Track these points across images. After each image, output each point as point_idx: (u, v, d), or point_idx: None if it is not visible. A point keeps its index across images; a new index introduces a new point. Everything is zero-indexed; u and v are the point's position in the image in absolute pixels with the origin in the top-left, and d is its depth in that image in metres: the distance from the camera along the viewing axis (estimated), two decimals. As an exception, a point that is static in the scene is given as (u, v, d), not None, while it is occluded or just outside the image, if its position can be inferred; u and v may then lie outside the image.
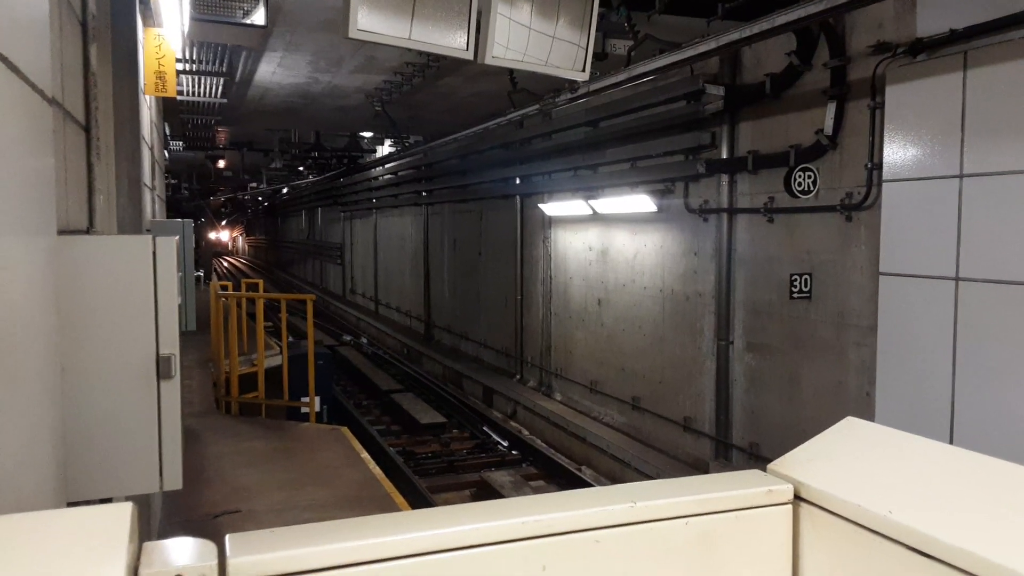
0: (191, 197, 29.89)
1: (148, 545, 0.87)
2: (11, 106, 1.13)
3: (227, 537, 0.91)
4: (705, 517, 1.13)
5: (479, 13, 3.30)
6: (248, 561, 0.87)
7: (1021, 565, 0.89)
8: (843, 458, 1.25)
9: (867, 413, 5.37)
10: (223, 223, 48.41)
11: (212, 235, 45.09)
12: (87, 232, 2.09)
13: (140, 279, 1.73)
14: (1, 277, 1.02)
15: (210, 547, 0.88)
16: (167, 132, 13.59)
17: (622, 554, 1.07)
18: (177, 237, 1.92)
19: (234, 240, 56.71)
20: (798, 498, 1.19)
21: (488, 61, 3.30)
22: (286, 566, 0.88)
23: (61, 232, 1.66)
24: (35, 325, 1.26)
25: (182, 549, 0.87)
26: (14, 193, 1.14)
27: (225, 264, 43.16)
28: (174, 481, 1.80)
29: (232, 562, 0.86)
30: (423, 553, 0.95)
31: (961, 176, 4.61)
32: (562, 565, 1.04)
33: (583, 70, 3.56)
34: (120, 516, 0.83)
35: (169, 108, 11.39)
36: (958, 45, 4.63)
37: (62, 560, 0.74)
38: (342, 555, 0.91)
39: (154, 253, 1.75)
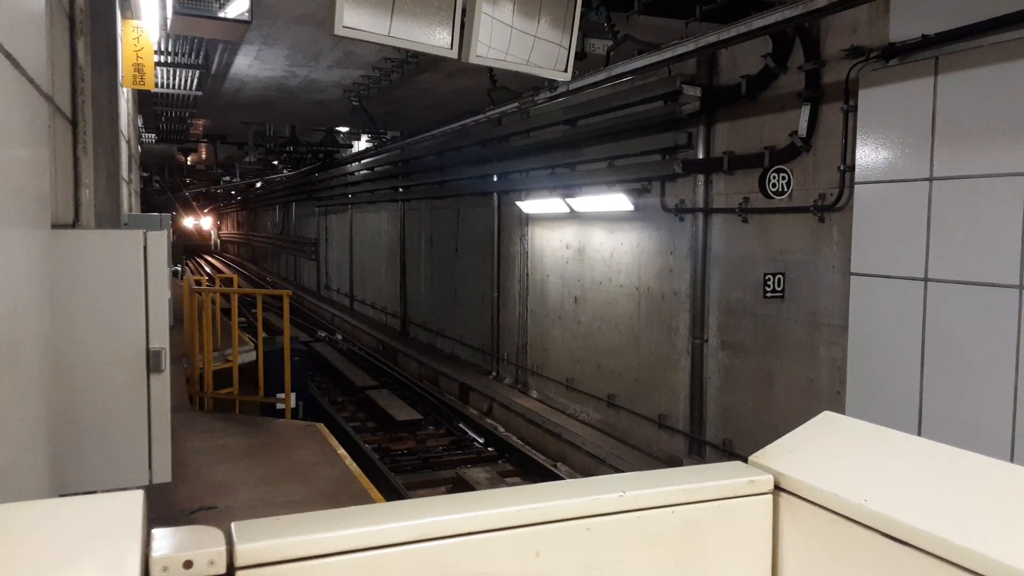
0: (162, 190, 29.52)
1: (156, 532, 0.89)
2: (14, 103, 1.14)
3: (232, 524, 0.93)
4: (690, 506, 1.18)
5: (463, 12, 3.32)
6: (255, 547, 0.90)
7: (987, 549, 0.95)
8: (821, 450, 1.30)
9: (838, 411, 5.45)
10: (204, 211, 46.37)
11: (188, 226, 43.67)
12: (73, 226, 2.09)
13: (131, 274, 1.73)
14: (8, 270, 1.04)
15: (216, 534, 0.91)
16: (140, 124, 13.42)
17: (612, 541, 1.12)
18: (165, 232, 1.93)
19: (210, 234, 52.80)
20: (778, 488, 1.24)
21: (472, 60, 3.32)
22: (292, 551, 0.91)
23: (52, 226, 1.67)
24: (34, 319, 1.27)
25: (189, 536, 0.90)
26: (16, 187, 1.15)
27: (207, 268, 34.50)
28: (163, 474, 1.81)
29: (240, 548, 0.89)
30: (424, 540, 0.98)
31: (931, 179, 4.73)
32: (555, 551, 1.08)
33: (565, 70, 3.59)
34: (132, 503, 0.85)
35: (142, 100, 11.27)
36: (929, 50, 4.74)
37: (81, 544, 0.77)
38: (346, 541, 0.94)
39: (145, 248, 1.76)
